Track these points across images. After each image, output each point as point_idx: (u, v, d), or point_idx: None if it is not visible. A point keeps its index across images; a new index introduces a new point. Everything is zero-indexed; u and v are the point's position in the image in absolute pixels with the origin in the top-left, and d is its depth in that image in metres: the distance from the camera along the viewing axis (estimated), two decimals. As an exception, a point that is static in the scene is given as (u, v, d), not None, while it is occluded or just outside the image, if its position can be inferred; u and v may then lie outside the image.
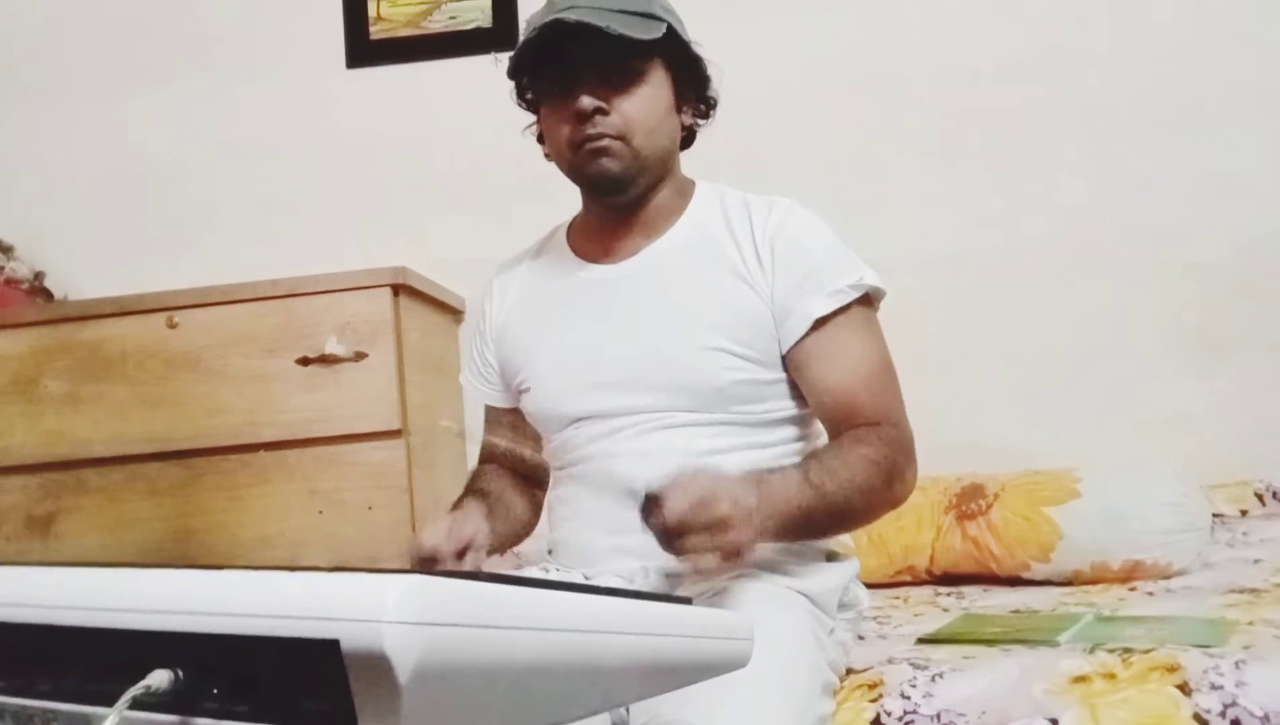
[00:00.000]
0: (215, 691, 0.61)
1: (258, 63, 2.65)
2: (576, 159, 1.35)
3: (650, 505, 1.08)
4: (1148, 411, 2.27)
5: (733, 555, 1.10)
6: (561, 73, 1.33)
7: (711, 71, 1.42)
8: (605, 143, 1.33)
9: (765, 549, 1.30)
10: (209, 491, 2.13)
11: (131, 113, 2.66)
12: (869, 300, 1.37)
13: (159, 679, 0.60)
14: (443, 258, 2.37)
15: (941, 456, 1.97)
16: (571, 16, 1.28)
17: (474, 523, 1.30)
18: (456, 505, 1.43)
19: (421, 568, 1.24)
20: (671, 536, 1.08)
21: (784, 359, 1.35)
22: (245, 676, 0.60)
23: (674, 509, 1.07)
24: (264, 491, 2.11)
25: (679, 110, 1.39)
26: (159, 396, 2.14)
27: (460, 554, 1.25)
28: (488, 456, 1.59)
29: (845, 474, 1.25)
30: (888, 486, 1.30)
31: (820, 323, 1.32)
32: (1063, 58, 2.38)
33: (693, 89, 1.40)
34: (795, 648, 1.19)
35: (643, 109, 1.33)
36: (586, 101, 1.31)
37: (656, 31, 1.31)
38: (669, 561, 1.30)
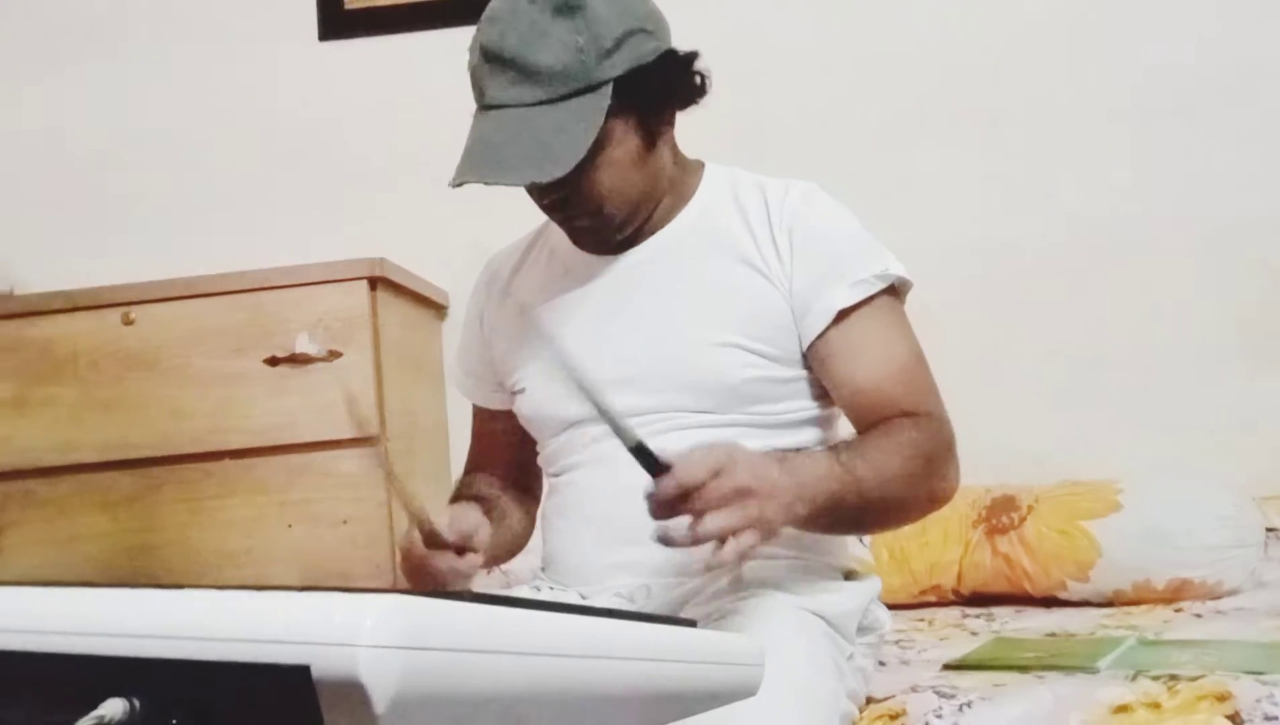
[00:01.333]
0: (174, 722, 0.61)
1: (222, 35, 2.65)
2: (556, 224, 1.40)
3: (659, 477, 1.05)
4: (1196, 416, 2.27)
5: (761, 532, 1.07)
6: None
7: (692, 50, 1.36)
8: (577, 224, 1.36)
9: (777, 567, 1.31)
10: (169, 503, 2.13)
11: (83, 88, 2.66)
12: (895, 291, 1.37)
13: (113, 709, 0.60)
14: (424, 248, 2.38)
15: (970, 465, 1.95)
16: (486, 180, 1.27)
17: (476, 518, 1.30)
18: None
19: (424, 541, 1.24)
20: (680, 508, 1.05)
21: (805, 356, 1.35)
22: (207, 705, 0.60)
23: (687, 474, 1.05)
24: (229, 503, 2.11)
25: (655, 142, 1.35)
26: (114, 400, 2.14)
27: (460, 550, 1.26)
28: (476, 463, 1.59)
29: (881, 459, 1.24)
30: (928, 478, 1.29)
31: (843, 315, 1.32)
32: (1113, 22, 2.37)
33: (670, 98, 1.36)
34: (810, 675, 1.19)
35: (607, 178, 1.31)
36: (543, 199, 1.34)
37: (593, 128, 1.25)
38: (674, 573, 1.30)
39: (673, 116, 1.38)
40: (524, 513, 1.54)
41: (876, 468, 1.23)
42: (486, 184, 1.28)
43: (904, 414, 1.30)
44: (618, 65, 1.27)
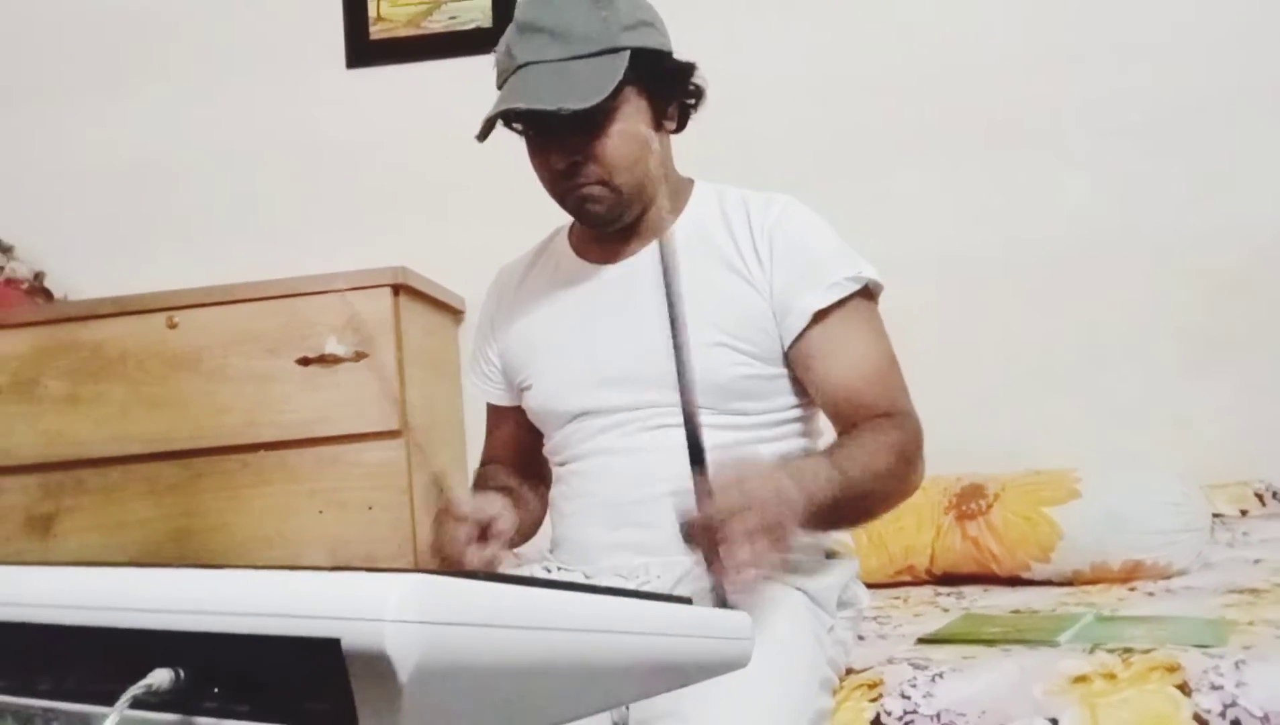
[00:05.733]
0: (216, 691, 0.61)
1: (259, 63, 2.65)
2: (561, 201, 1.37)
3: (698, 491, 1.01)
4: (1148, 411, 2.28)
5: (779, 555, 1.05)
6: (532, 125, 1.33)
7: (691, 60, 1.38)
8: (586, 191, 1.33)
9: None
10: (209, 491, 2.13)
11: (132, 112, 2.66)
12: (869, 294, 1.37)
13: (160, 678, 0.60)
14: (443, 258, 2.37)
15: (941, 456, 1.95)
16: (520, 105, 1.27)
17: (499, 505, 1.30)
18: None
19: (445, 520, 1.24)
20: (710, 537, 1.01)
21: (787, 355, 1.35)
22: (246, 675, 0.60)
23: (719, 511, 1.00)
24: (264, 491, 2.11)
25: (660, 124, 1.37)
26: (159, 396, 2.14)
27: (483, 535, 1.25)
28: (491, 456, 1.59)
29: (869, 461, 1.24)
30: (907, 475, 1.30)
31: (821, 316, 1.32)
32: (1063, 57, 2.38)
33: (674, 93, 1.38)
34: (793, 643, 1.19)
35: (619, 147, 1.31)
36: (559, 161, 1.32)
37: (615, 77, 1.27)
38: (671, 553, 1.29)
39: (674, 112, 1.39)
40: (538, 498, 1.54)
41: (866, 469, 1.23)
42: (520, 109, 1.28)
43: (882, 414, 1.30)
44: (635, 39, 1.30)
